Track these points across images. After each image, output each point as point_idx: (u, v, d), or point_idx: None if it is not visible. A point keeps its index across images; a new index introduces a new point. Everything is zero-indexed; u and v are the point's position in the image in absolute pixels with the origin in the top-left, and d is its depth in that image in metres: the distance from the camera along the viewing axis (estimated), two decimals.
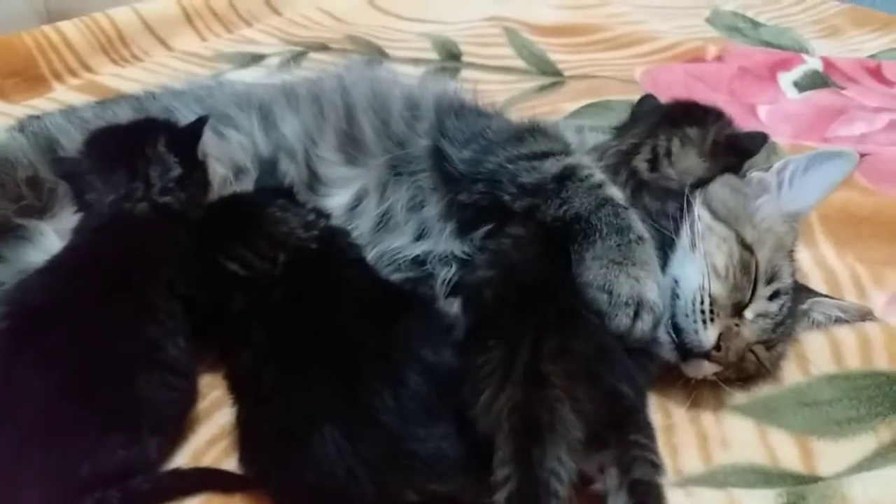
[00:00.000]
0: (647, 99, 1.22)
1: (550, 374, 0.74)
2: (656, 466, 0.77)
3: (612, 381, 0.78)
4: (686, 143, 1.04)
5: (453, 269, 0.99)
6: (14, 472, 0.76)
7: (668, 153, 1.03)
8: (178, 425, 0.87)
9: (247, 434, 0.82)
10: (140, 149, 0.97)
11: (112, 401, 0.79)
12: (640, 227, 0.89)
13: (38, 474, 0.76)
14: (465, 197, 0.99)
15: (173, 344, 0.86)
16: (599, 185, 0.93)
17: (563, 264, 0.88)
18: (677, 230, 0.95)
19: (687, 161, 1.02)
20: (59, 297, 0.86)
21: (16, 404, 0.78)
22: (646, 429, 0.81)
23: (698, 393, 0.91)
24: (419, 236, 1.03)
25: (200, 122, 1.03)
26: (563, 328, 0.79)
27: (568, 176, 0.93)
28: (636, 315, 0.83)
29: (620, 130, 1.12)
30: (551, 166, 0.94)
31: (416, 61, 1.77)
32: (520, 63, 1.80)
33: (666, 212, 0.97)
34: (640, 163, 1.02)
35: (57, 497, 0.76)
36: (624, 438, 0.77)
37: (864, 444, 0.87)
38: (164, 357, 0.85)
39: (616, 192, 0.93)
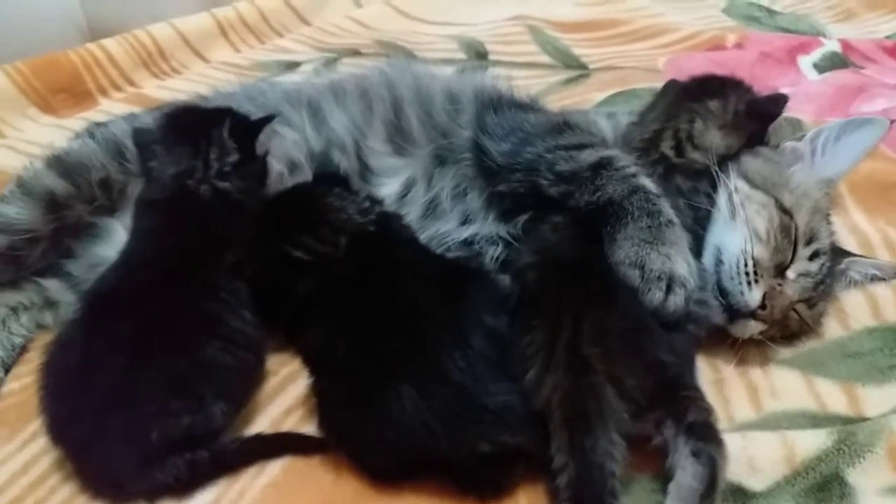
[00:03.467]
0: (670, 85, 1.21)
1: (591, 357, 0.79)
2: (708, 410, 0.82)
3: (652, 351, 0.82)
4: (708, 119, 1.06)
5: (500, 248, 1.04)
6: (97, 444, 0.82)
7: (690, 137, 1.05)
8: (243, 394, 0.91)
9: (324, 401, 0.87)
10: (205, 130, 1.03)
11: (174, 370, 0.84)
12: (670, 212, 0.93)
13: (116, 444, 0.81)
14: (503, 187, 1.03)
15: (236, 318, 0.91)
16: (633, 175, 0.96)
17: (598, 246, 0.92)
18: (713, 204, 1.00)
19: (711, 138, 1.05)
20: (127, 280, 0.93)
21: (93, 381, 0.83)
22: (693, 388, 0.85)
23: (745, 350, 0.96)
24: (464, 221, 1.08)
25: (266, 119, 1.08)
26: (600, 305, 0.84)
27: (604, 165, 0.97)
28: (668, 289, 0.85)
29: (642, 116, 1.14)
30: (588, 156, 0.98)
31: (445, 62, 1.83)
32: (545, 58, 1.86)
33: (698, 189, 1.01)
34: (668, 150, 1.05)
35: (137, 463, 0.81)
36: (674, 395, 0.82)
37: None
38: (225, 330, 0.89)
39: (648, 182, 0.96)
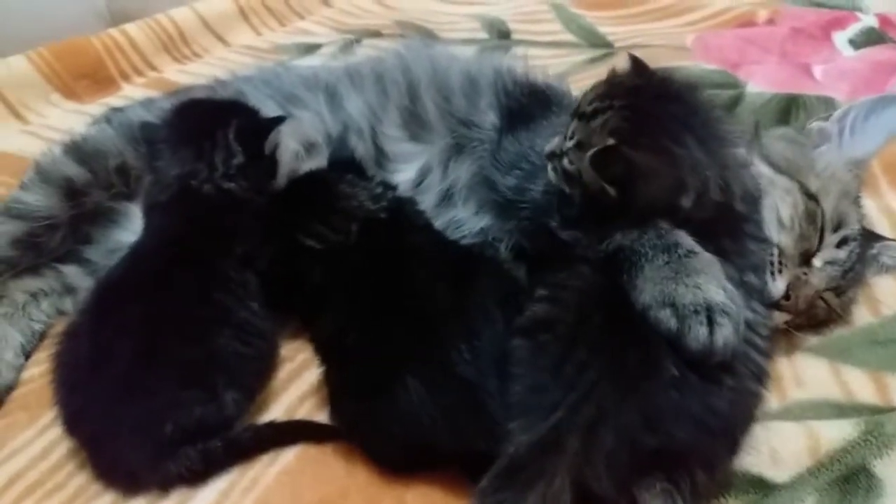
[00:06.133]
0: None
1: (568, 444, 0.70)
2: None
3: (661, 436, 0.71)
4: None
5: (515, 237, 1.01)
6: (110, 436, 0.83)
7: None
8: (255, 382, 0.91)
9: (335, 390, 0.87)
10: (210, 132, 1.01)
11: (185, 361, 0.84)
12: (689, 242, 0.81)
13: (129, 436, 0.82)
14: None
15: (245, 308, 0.91)
16: None
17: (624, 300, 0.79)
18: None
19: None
20: (136, 271, 0.93)
21: (104, 372, 0.83)
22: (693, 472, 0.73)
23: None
24: (479, 211, 1.05)
25: (276, 120, 1.05)
26: (612, 388, 0.73)
27: None
28: (710, 321, 0.74)
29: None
30: None
31: (467, 42, 1.80)
32: (569, 37, 1.82)
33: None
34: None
35: (150, 455, 0.81)
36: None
37: None
38: (235, 319, 0.89)
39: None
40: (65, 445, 0.88)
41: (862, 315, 0.97)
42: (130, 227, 1.10)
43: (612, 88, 0.85)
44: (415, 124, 1.13)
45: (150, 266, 0.92)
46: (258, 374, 0.91)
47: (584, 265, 0.82)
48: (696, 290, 0.76)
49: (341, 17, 2.05)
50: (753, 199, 0.90)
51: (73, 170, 1.10)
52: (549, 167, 0.88)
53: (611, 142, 0.79)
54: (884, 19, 1.73)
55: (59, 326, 1.05)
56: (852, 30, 1.72)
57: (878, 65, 1.56)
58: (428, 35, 1.87)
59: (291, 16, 2.06)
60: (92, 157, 1.12)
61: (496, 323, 0.85)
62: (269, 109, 1.13)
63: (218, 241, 0.95)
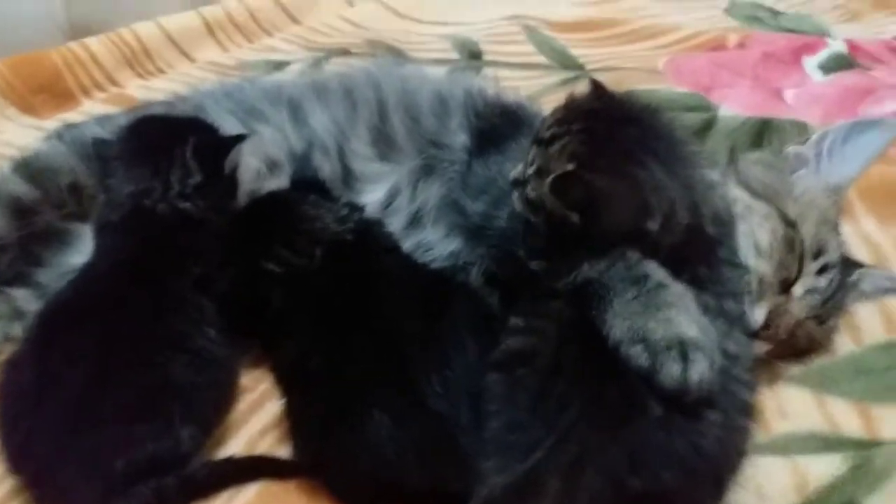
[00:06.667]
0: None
1: (549, 486, 0.66)
2: None
3: (641, 484, 0.67)
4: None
5: (487, 263, 0.97)
6: (56, 473, 0.77)
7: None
8: (213, 415, 0.86)
9: (297, 419, 0.83)
10: (167, 149, 0.97)
11: (137, 391, 0.80)
12: (659, 273, 0.76)
13: (76, 473, 0.76)
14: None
15: (201, 335, 0.86)
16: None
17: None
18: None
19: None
20: (85, 294, 0.88)
21: (49, 404, 0.79)
22: None
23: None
24: (449, 234, 1.02)
25: (237, 138, 1.01)
26: (595, 427, 0.69)
27: None
28: (684, 357, 0.70)
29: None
30: None
31: (438, 62, 1.78)
32: (541, 59, 1.81)
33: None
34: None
35: (100, 493, 0.76)
36: None
37: None
38: (191, 345, 0.85)
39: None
40: (9, 483, 0.81)
41: (844, 343, 0.95)
42: (84, 249, 1.03)
43: (569, 113, 0.82)
44: (384, 143, 1.09)
45: (101, 289, 0.88)
46: (216, 405, 0.86)
47: (555, 296, 0.78)
48: (668, 324, 0.72)
49: (310, 34, 2.01)
50: (724, 222, 0.87)
51: (22, 188, 1.05)
52: (514, 195, 0.85)
53: (570, 167, 0.76)
54: (852, 45, 1.75)
55: (7, 353, 0.99)
56: (822, 55, 1.72)
57: (848, 90, 1.57)
58: (398, 55, 1.84)
59: (259, 32, 2.01)
60: (42, 175, 1.06)
61: (468, 351, 0.81)
62: (229, 124, 1.09)
63: (172, 262, 0.90)
